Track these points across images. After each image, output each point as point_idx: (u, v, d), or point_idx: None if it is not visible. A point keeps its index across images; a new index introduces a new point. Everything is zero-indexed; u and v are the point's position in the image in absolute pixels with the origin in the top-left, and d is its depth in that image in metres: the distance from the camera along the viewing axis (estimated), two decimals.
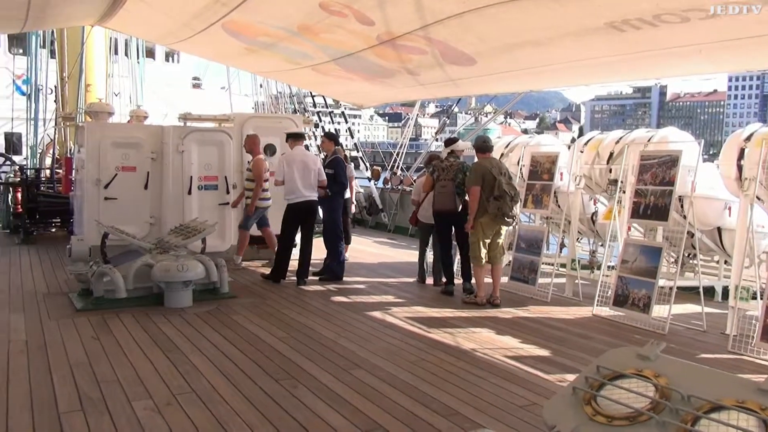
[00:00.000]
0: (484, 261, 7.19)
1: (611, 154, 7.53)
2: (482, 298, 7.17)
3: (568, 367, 5.01)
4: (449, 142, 7.90)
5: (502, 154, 9.01)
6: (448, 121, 21.56)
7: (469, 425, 3.84)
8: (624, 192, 7.07)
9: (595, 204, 8.49)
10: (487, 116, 22.04)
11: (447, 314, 6.81)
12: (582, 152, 7.95)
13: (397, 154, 16.37)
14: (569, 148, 8.54)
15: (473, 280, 7.46)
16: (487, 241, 7.18)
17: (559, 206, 8.29)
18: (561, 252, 8.50)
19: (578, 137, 11.82)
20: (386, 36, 7.52)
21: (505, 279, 8.00)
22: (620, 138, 7.67)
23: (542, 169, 8.05)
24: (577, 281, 7.77)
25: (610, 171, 7.45)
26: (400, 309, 7.00)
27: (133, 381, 4.52)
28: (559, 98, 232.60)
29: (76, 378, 4.57)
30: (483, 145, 7.42)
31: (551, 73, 8.02)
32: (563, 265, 8.15)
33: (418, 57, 8.06)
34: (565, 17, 5.74)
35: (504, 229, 7.35)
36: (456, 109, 22.19)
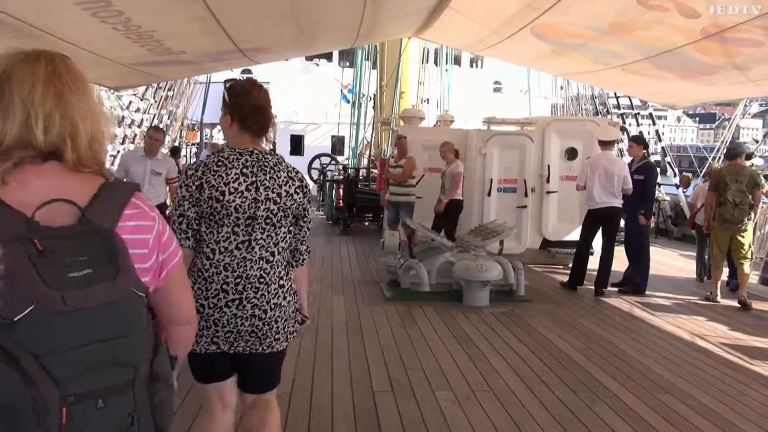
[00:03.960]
0: (721, 262, 7.74)
1: None
2: (714, 296, 7.62)
3: None
4: None
5: None
6: None
7: None
8: None
9: None
10: None
11: None
12: None
13: (714, 159, 14.70)
14: None
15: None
16: (723, 244, 7.59)
17: None
18: None
19: None
20: (713, 29, 6.74)
21: None
22: None
23: None
24: None
25: None
26: (713, 333, 6.27)
27: (436, 372, 4.79)
28: None
29: (387, 361, 5.01)
30: (728, 152, 8.42)
31: None
32: None
33: (752, 50, 7.07)
34: None
35: (746, 233, 7.54)
36: None
